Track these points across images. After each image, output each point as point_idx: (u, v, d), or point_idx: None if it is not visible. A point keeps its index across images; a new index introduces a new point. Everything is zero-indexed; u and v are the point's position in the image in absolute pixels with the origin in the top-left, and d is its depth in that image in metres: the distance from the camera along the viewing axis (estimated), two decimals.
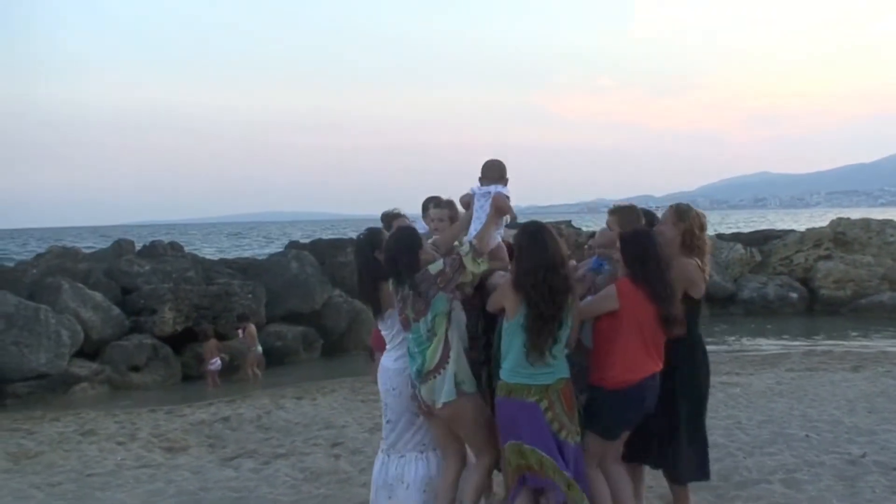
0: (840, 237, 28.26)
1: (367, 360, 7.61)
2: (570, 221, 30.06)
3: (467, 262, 5.85)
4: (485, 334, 6.93)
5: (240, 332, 17.94)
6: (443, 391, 5.84)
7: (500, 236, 6.37)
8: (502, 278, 6.07)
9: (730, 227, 62.15)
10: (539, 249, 5.67)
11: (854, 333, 21.45)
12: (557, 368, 5.71)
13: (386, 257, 6.06)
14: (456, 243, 6.12)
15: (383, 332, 6.56)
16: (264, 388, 15.59)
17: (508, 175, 6.67)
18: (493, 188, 6.37)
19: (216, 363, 16.88)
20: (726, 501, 7.10)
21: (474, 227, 6.27)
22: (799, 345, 19.81)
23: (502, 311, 5.87)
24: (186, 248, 28.49)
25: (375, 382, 6.69)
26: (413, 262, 5.91)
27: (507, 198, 6.34)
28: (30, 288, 18.09)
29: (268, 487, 8.23)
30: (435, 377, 5.85)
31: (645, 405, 5.99)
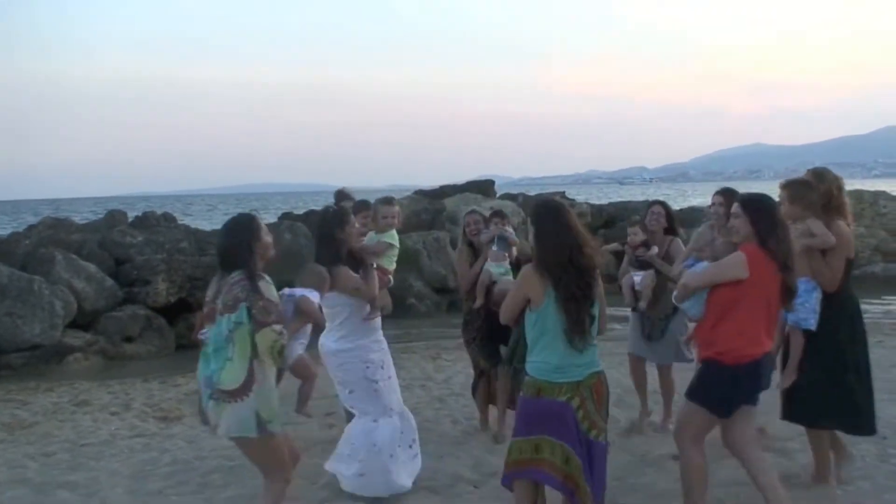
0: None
1: None
2: (563, 192, 30.10)
3: (267, 335, 5.24)
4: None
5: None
6: (238, 424, 5.33)
7: (301, 348, 6.26)
8: (509, 284, 5.95)
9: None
10: (562, 228, 5.33)
11: None
12: (589, 362, 5.35)
13: (218, 242, 5.68)
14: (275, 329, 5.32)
15: (325, 310, 6.77)
16: None
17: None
18: (297, 292, 6.07)
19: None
20: (720, 469, 7.14)
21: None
22: None
23: (521, 312, 5.47)
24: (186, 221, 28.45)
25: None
26: (243, 251, 5.41)
27: (314, 303, 6.00)
28: (23, 259, 18.06)
29: None
30: (228, 402, 5.29)
31: (762, 383, 5.77)
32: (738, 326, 5.58)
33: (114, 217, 24.57)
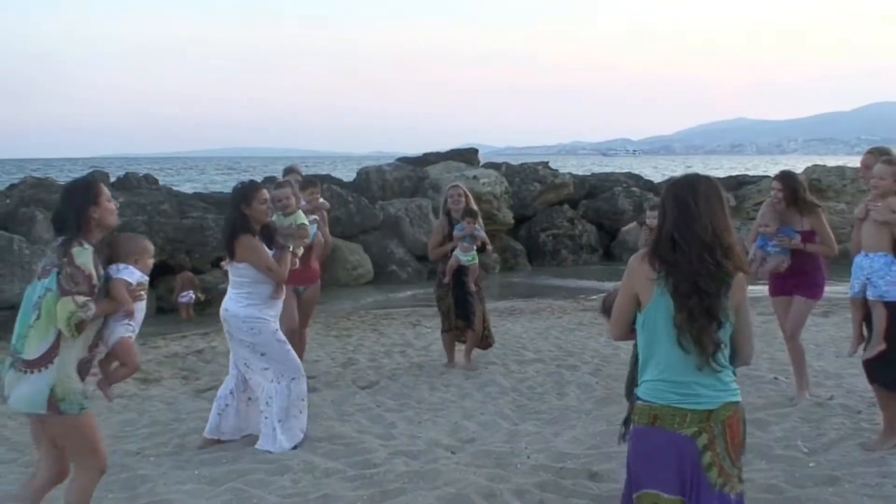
0: (815, 184, 28.37)
1: None
2: (546, 163, 30.07)
3: (65, 308, 4.82)
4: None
5: (222, 264, 17.85)
6: (27, 398, 4.91)
7: (126, 331, 5.78)
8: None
9: (706, 172, 62.35)
10: (685, 217, 3.97)
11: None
12: (724, 386, 4.00)
13: (56, 206, 5.27)
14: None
15: (232, 277, 7.23)
16: None
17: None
18: (112, 270, 5.36)
19: (187, 296, 16.84)
20: None
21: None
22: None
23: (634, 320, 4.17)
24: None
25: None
26: (73, 217, 5.04)
27: (130, 283, 5.36)
28: (3, 218, 18.00)
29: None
30: (25, 372, 4.89)
31: None
32: None
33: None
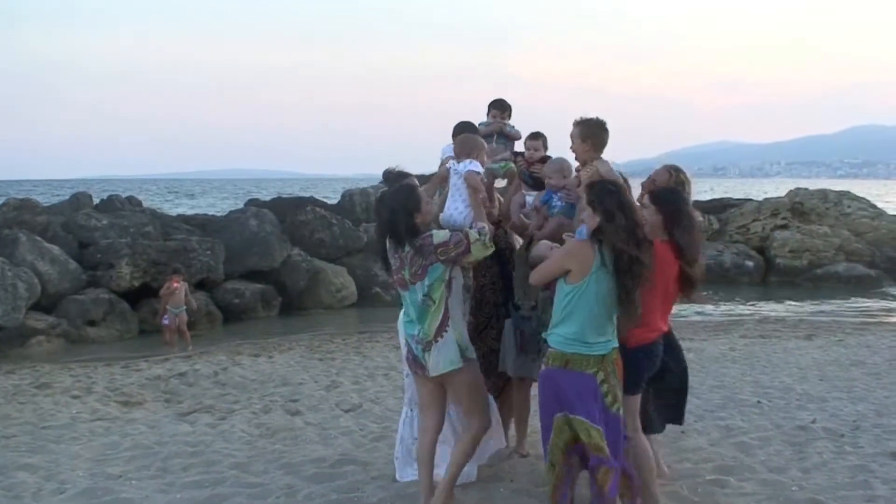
0: (797, 207, 28.55)
1: None
2: None
3: (476, 248, 5.80)
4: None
5: (174, 285, 17.14)
6: (445, 359, 5.82)
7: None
8: (548, 249, 5.91)
9: None
10: (627, 207, 5.41)
11: (808, 302, 21.69)
12: (613, 337, 5.49)
13: (384, 216, 5.88)
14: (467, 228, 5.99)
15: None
16: (221, 345, 15.56)
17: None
18: (461, 166, 6.30)
19: (168, 319, 16.69)
20: (676, 464, 7.20)
21: (452, 205, 6.29)
22: (753, 312, 20.02)
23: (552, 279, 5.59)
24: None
25: None
26: (411, 222, 5.79)
27: (479, 174, 6.28)
28: None
29: (223, 443, 8.24)
30: (435, 343, 5.82)
31: (657, 364, 5.92)
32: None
33: (79, 200, 24.40)
